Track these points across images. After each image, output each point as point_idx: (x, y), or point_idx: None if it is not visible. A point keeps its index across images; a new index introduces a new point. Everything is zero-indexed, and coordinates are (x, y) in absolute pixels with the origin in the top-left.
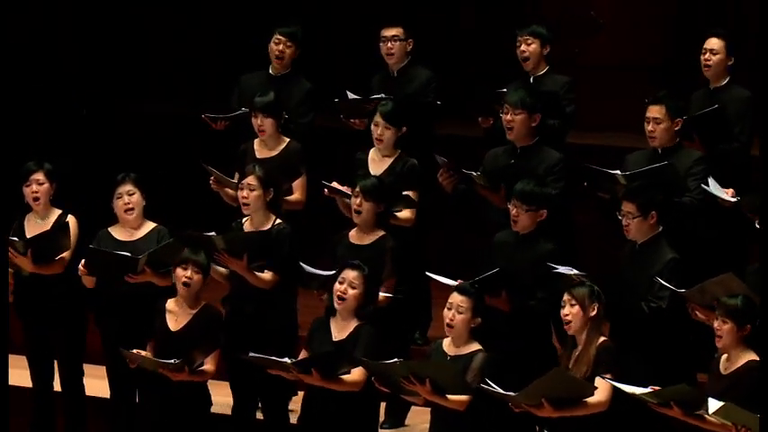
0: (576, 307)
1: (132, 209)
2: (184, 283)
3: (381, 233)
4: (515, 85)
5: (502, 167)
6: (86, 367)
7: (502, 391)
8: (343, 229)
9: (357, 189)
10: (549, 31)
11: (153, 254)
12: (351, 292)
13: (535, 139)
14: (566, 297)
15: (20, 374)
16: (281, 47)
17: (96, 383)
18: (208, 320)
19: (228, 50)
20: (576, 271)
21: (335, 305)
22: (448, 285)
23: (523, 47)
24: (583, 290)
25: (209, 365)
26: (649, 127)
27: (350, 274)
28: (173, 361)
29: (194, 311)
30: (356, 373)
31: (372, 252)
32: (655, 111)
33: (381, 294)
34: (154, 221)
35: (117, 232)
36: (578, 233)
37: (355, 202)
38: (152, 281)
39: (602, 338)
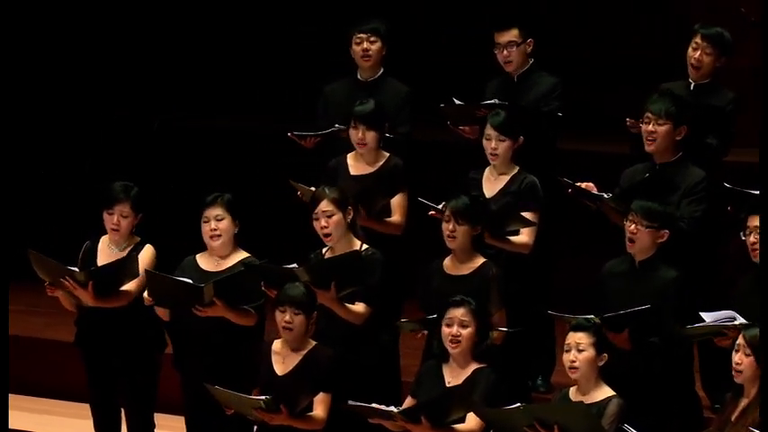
0: (751, 357)
1: (219, 235)
2: (284, 328)
3: (481, 260)
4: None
5: (635, 185)
6: (159, 417)
7: None
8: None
9: (447, 212)
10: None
11: (220, 283)
12: (464, 332)
13: (678, 154)
14: (740, 341)
15: (82, 424)
16: (364, 44)
17: None
18: (318, 362)
19: (311, 62)
20: (741, 320)
21: (450, 350)
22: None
23: (700, 53)
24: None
25: (318, 411)
26: None
27: (457, 312)
28: (264, 397)
29: (304, 352)
30: (471, 422)
31: (474, 282)
32: None
33: (496, 331)
34: (247, 251)
35: (204, 261)
36: (724, 265)
37: (447, 227)
38: (227, 317)
39: None
